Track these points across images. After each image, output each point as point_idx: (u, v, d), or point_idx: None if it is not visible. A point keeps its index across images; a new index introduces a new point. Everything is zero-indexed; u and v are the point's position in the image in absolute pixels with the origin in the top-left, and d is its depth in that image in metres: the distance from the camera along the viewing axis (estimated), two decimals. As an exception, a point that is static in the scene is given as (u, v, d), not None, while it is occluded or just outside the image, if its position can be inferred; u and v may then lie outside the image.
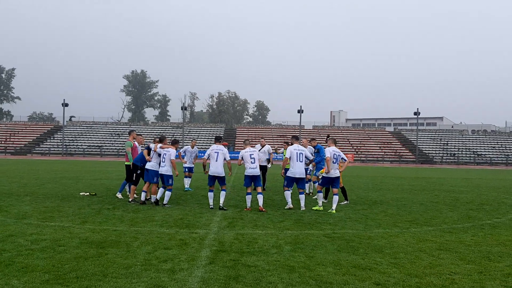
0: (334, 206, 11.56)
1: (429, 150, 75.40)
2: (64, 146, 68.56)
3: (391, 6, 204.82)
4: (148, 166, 12.21)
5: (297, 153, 11.85)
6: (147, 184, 12.30)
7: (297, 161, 11.79)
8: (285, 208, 11.79)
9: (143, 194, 12.21)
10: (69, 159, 52.56)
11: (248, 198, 11.68)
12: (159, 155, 12.14)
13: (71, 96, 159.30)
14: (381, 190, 18.25)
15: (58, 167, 32.22)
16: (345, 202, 13.24)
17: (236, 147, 68.68)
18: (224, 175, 11.72)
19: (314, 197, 14.14)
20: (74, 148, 70.09)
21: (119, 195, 13.43)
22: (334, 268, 6.15)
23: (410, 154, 72.34)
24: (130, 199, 12.61)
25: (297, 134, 13.80)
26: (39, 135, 75.52)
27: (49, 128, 79.37)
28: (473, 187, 21.28)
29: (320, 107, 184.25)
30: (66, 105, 68.24)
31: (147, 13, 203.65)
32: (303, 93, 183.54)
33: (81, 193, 14.29)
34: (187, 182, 16.58)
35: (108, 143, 72.87)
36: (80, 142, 72.69)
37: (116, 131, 78.35)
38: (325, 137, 13.63)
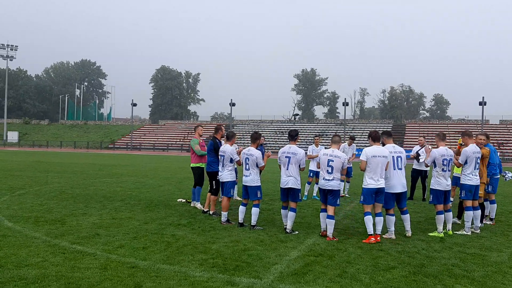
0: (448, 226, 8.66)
1: None
2: (231, 143, 71.15)
3: None
4: (224, 178, 9.35)
5: (394, 157, 8.07)
6: (226, 201, 9.27)
7: (394, 169, 8.03)
8: (384, 236, 8.12)
9: (223, 215, 9.21)
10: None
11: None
12: (231, 160, 9.36)
13: (245, 97, 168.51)
14: None
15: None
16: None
17: (404, 145, 62.03)
18: (299, 187, 8.47)
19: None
20: (239, 144, 72.24)
21: (197, 205, 11.21)
22: None
23: None
24: (211, 212, 10.14)
25: (390, 130, 9.63)
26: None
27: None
28: None
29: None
30: (233, 104, 70.95)
31: (315, 13, 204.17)
32: (490, 84, 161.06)
33: (178, 200, 12.52)
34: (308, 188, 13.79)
35: (272, 141, 73.41)
36: (247, 139, 74.78)
37: (281, 129, 78.74)
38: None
